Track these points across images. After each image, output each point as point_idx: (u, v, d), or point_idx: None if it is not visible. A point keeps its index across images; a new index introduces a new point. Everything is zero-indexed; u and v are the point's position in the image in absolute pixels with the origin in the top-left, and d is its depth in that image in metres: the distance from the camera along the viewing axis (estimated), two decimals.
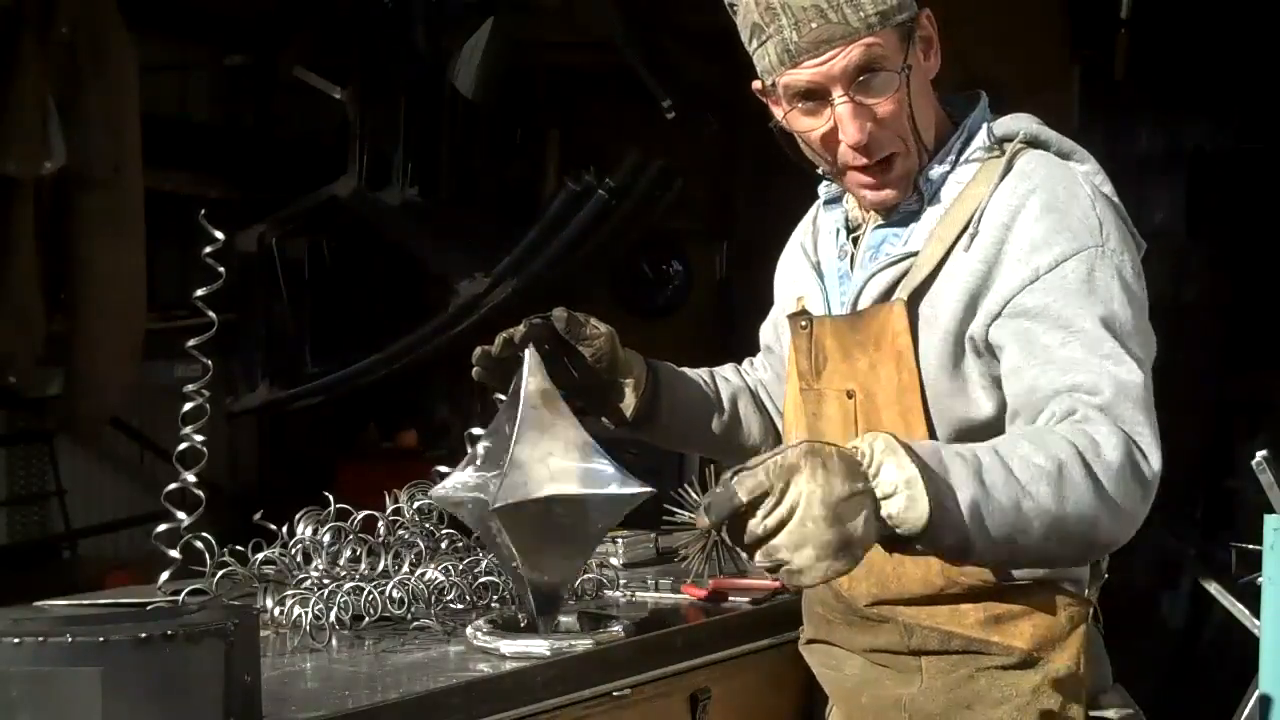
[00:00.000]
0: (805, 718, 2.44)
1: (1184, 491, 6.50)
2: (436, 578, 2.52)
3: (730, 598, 2.69)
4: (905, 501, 1.72)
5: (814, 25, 2.01)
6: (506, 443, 2.22)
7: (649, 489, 2.23)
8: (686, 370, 2.47)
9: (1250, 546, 3.27)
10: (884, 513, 1.73)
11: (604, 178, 5.59)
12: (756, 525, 1.71)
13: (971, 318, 2.03)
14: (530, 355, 2.27)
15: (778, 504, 1.70)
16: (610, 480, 2.22)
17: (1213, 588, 4.35)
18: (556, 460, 2.22)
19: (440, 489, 2.32)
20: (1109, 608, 2.21)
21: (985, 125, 2.14)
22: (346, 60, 6.10)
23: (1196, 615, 6.09)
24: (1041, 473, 1.79)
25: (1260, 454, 3.28)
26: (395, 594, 2.45)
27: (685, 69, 5.82)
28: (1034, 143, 2.12)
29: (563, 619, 2.34)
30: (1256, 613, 3.12)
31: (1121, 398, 1.90)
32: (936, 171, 2.12)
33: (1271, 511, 3.13)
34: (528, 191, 6.92)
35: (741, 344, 2.71)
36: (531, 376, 2.26)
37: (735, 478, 1.72)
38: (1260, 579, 3.00)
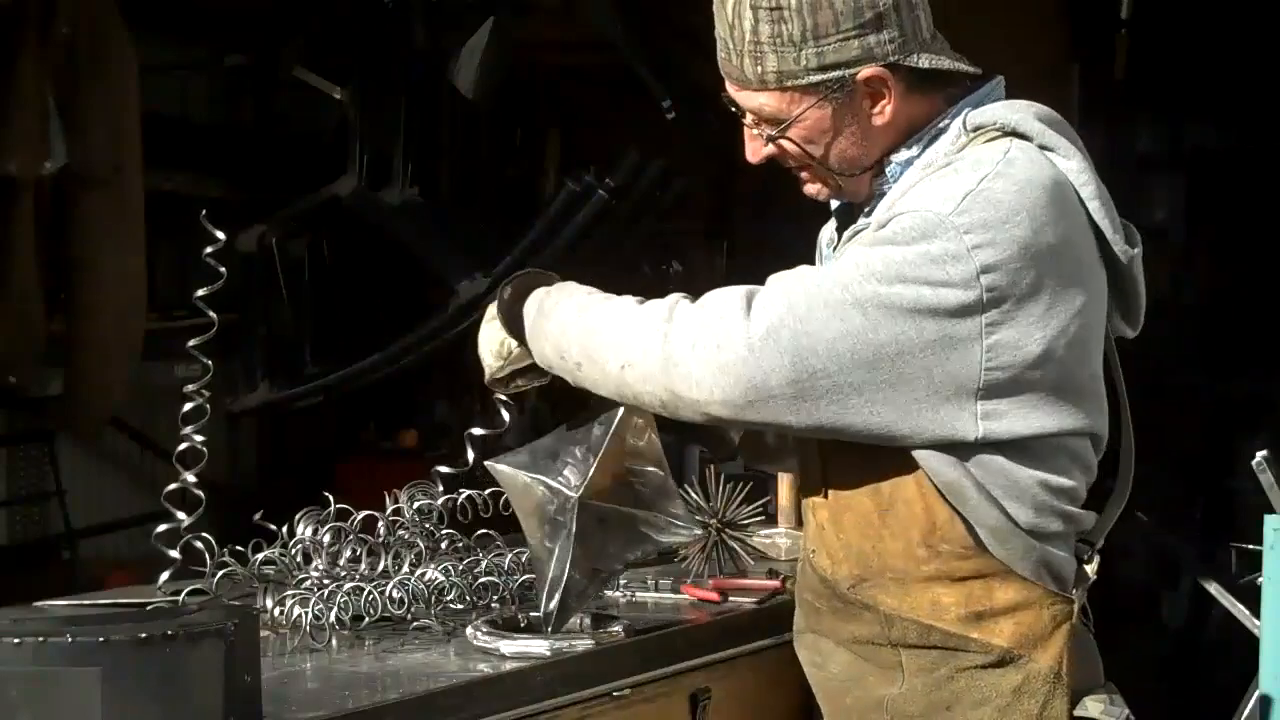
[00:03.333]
0: (805, 718, 2.44)
1: (1184, 491, 6.50)
2: (436, 578, 2.52)
3: (730, 598, 2.69)
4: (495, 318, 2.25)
5: (720, 55, 2.13)
6: (589, 446, 2.25)
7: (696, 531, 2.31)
8: None
9: (1250, 546, 3.28)
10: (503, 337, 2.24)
11: (604, 178, 5.59)
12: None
13: None
14: None
15: None
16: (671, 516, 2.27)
17: (1213, 588, 4.35)
18: (633, 479, 2.26)
19: (501, 464, 2.33)
20: (1109, 608, 2.21)
21: (964, 113, 2.13)
22: (346, 60, 6.10)
23: (1196, 615, 6.09)
24: (617, 306, 2.09)
25: (1260, 454, 3.28)
26: (395, 594, 2.45)
27: (685, 69, 5.81)
28: (1014, 133, 2.09)
29: None
30: (1256, 613, 3.12)
31: (754, 291, 2.01)
32: (903, 155, 2.13)
33: (1271, 511, 3.14)
34: (528, 191, 6.92)
35: None
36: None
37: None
38: (1260, 579, 3.00)
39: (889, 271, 1.96)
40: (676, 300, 2.06)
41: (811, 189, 2.21)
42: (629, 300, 2.11)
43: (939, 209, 1.97)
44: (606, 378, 2.09)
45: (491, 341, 2.26)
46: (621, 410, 2.24)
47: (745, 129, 2.17)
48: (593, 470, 2.21)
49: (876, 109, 2.10)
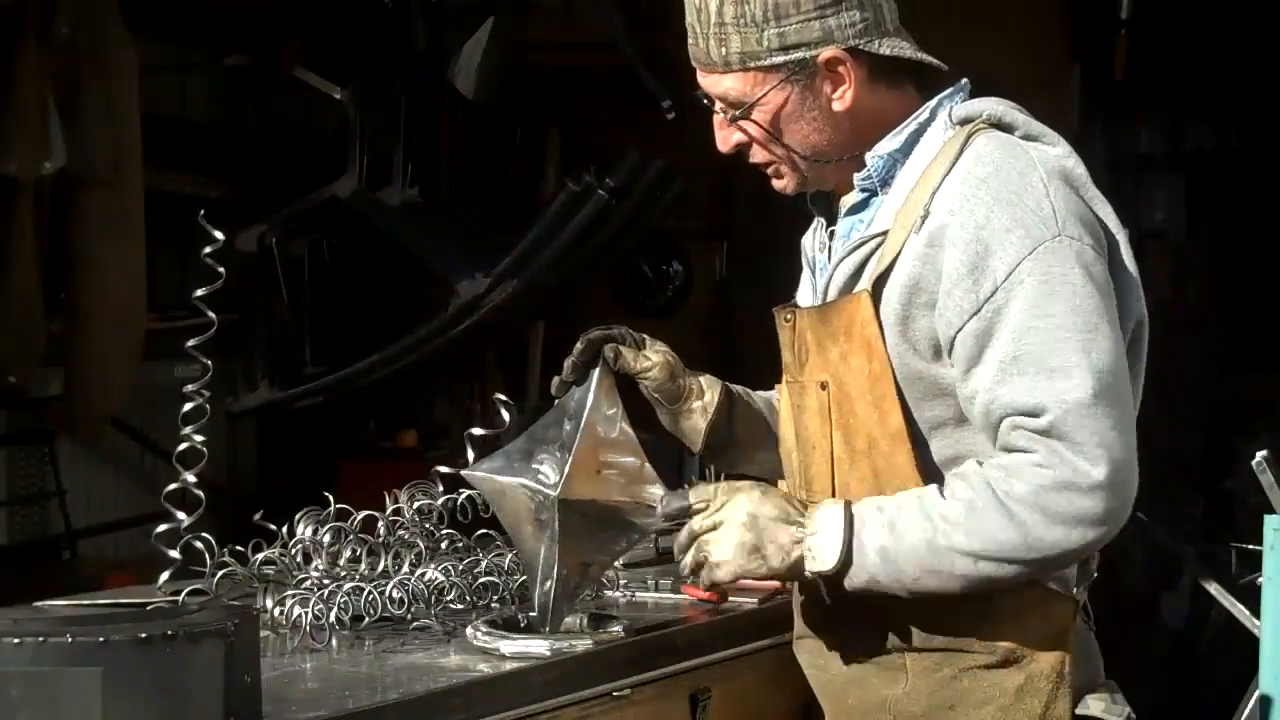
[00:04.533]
0: (805, 718, 2.44)
1: (1184, 491, 6.50)
2: (436, 578, 2.52)
3: (730, 598, 2.69)
4: (823, 540, 2.03)
5: (690, 42, 2.15)
6: (561, 443, 2.24)
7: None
8: (758, 394, 2.44)
9: (1250, 546, 3.27)
10: (804, 547, 2.04)
11: (604, 178, 5.59)
12: (694, 523, 2.11)
13: (918, 303, 2.04)
14: (602, 371, 2.27)
15: (716, 511, 2.09)
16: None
17: (1213, 588, 4.34)
18: (608, 470, 2.24)
19: (477, 471, 2.32)
20: (1109, 608, 2.21)
21: (948, 106, 2.14)
22: (346, 60, 6.10)
23: (1196, 615, 6.09)
24: (953, 513, 1.98)
25: (1260, 454, 3.28)
26: (395, 594, 2.45)
27: (685, 69, 5.82)
28: (998, 124, 2.11)
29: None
30: (1256, 613, 3.12)
31: (1065, 416, 1.94)
32: (886, 148, 2.13)
33: (1271, 511, 3.13)
34: (528, 191, 6.92)
35: (742, 344, 2.71)
36: (600, 391, 2.26)
37: (691, 488, 2.13)
38: (1260, 579, 3.00)
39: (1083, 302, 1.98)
40: (988, 487, 1.97)
41: (779, 183, 2.21)
42: (936, 506, 2.00)
43: (1044, 233, 1.98)
44: (952, 580, 2.00)
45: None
46: (590, 403, 2.24)
47: (715, 117, 2.18)
48: (569, 466, 2.21)
49: (837, 94, 2.11)
